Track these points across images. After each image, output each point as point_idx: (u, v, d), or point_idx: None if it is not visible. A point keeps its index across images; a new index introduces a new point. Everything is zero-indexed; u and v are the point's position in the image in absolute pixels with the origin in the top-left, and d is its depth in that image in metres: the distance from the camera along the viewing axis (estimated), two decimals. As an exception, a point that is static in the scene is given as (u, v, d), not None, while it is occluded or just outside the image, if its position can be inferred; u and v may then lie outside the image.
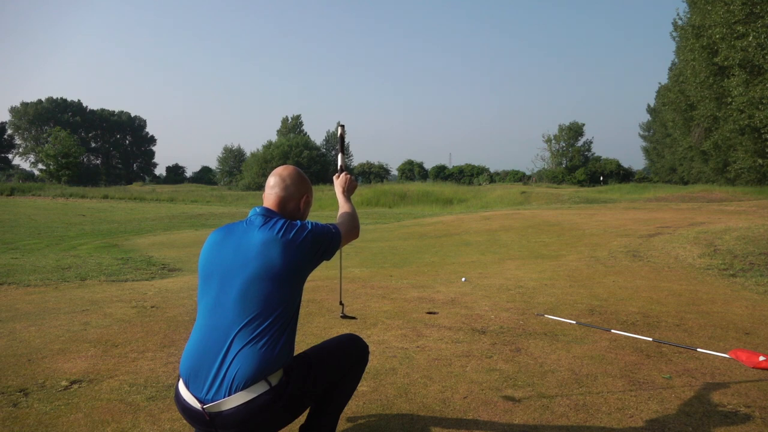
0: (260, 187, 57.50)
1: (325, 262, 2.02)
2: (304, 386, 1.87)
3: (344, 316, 2.67)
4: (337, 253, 2.09)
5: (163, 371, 3.04)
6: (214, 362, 1.76)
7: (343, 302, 2.76)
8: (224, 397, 1.72)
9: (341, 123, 2.57)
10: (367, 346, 2.17)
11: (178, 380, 1.86)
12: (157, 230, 15.24)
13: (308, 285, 5.80)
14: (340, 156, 2.54)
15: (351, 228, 2.16)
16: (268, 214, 1.97)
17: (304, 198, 2.08)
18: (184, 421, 2.40)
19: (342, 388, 2.06)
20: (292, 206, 2.05)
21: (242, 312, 1.79)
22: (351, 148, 76.91)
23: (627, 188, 38.90)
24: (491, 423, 2.43)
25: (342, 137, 2.58)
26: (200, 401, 1.75)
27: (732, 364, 3.19)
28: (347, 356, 2.07)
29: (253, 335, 1.76)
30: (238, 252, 1.87)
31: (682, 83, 32.79)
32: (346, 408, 2.54)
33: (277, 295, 1.81)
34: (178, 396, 1.85)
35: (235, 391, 1.72)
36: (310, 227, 1.94)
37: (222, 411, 1.73)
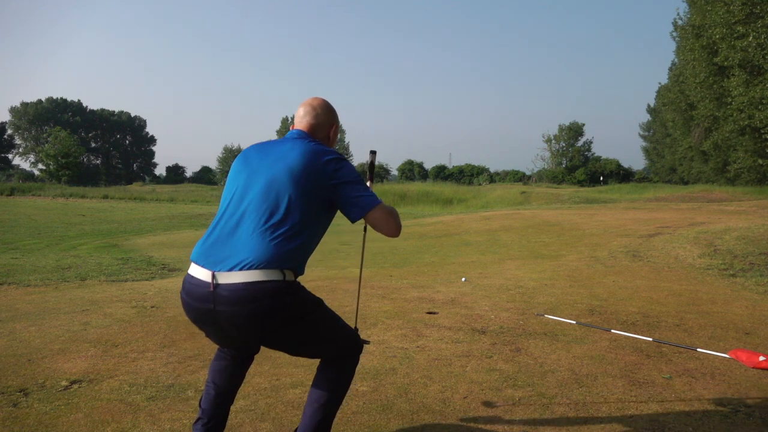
0: (260, 187, 57.10)
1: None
2: (305, 309, 1.85)
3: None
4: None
5: (163, 371, 3.04)
6: (228, 243, 1.79)
7: (357, 327, 2.64)
8: (237, 269, 1.72)
9: (373, 149, 2.35)
10: (362, 346, 2.11)
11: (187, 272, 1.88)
12: (157, 230, 15.24)
13: (308, 285, 5.79)
14: (369, 184, 2.26)
15: (394, 216, 1.94)
16: (304, 135, 2.01)
17: (333, 127, 2.12)
18: (184, 421, 2.40)
19: (333, 389, 1.97)
20: (322, 135, 2.08)
21: (261, 205, 1.81)
22: (351, 148, 76.81)
23: (627, 188, 38.87)
24: (491, 423, 2.43)
25: (372, 164, 2.35)
26: (210, 271, 1.75)
27: (732, 364, 3.19)
28: (344, 329, 2.00)
29: (269, 226, 1.77)
30: (268, 156, 1.92)
31: (682, 83, 32.83)
32: (346, 408, 2.54)
33: (295, 202, 1.80)
34: (184, 283, 1.85)
35: (248, 269, 1.72)
36: (346, 162, 1.92)
37: (229, 283, 1.72)
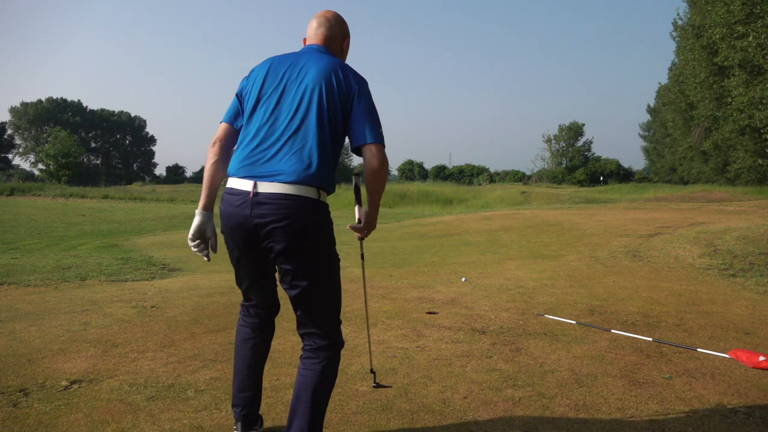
0: (260, 187, 57.06)
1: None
2: (328, 236, 1.95)
3: (377, 386, 2.65)
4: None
5: (163, 371, 3.04)
6: (266, 158, 1.89)
7: (374, 370, 2.78)
8: (276, 182, 1.85)
9: (356, 172, 2.34)
10: (343, 342, 2.07)
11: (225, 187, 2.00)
12: (157, 230, 15.23)
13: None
14: (357, 209, 2.25)
15: (387, 164, 1.99)
16: (324, 50, 2.08)
17: (346, 40, 2.18)
18: (184, 421, 2.40)
19: (322, 381, 1.95)
20: (335, 47, 2.15)
21: (294, 124, 1.91)
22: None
23: (627, 188, 38.87)
24: (491, 423, 2.43)
25: (357, 187, 2.27)
26: (252, 181, 1.87)
27: (732, 364, 3.19)
28: (339, 309, 2.04)
29: (303, 146, 1.88)
30: (295, 72, 1.98)
31: (682, 83, 32.86)
32: (346, 407, 2.55)
33: (324, 122, 1.91)
34: (223, 196, 1.96)
35: (285, 184, 1.84)
36: (368, 89, 2.01)
37: (269, 192, 1.85)
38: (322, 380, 1.94)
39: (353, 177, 2.27)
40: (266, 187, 1.84)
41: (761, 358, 3.12)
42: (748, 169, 28.63)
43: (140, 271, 7.29)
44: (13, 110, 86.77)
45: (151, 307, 4.65)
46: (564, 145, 70.36)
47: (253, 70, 2.08)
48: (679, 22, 33.34)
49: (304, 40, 2.16)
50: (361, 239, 2.25)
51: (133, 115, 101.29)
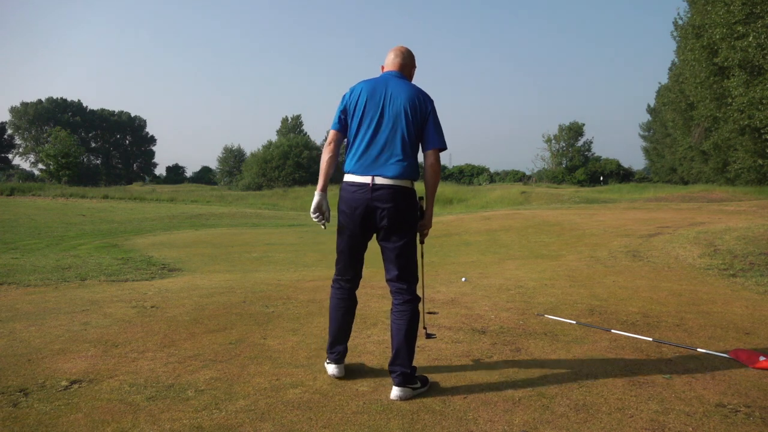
0: (260, 187, 57.33)
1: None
2: (416, 211, 2.79)
3: (429, 335, 3.31)
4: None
5: (163, 371, 3.04)
6: (376, 163, 2.71)
7: (426, 327, 3.36)
8: (387, 178, 2.68)
9: (420, 196, 2.89)
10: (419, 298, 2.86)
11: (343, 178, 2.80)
12: (157, 230, 15.23)
13: (309, 284, 5.80)
14: (422, 222, 2.93)
15: (440, 167, 2.86)
16: (401, 76, 2.85)
17: (414, 68, 2.97)
18: (184, 421, 2.40)
19: (412, 321, 2.73)
20: (407, 72, 2.91)
21: (391, 136, 2.72)
22: (351, 148, 76.83)
23: (627, 188, 38.85)
24: (491, 423, 2.43)
25: (421, 208, 2.90)
26: (370, 176, 2.69)
27: (732, 364, 3.19)
28: (416, 258, 2.85)
29: (400, 152, 2.71)
30: (386, 95, 2.75)
31: (682, 83, 32.81)
32: (346, 407, 2.56)
33: (411, 134, 2.73)
34: (346, 187, 2.76)
35: (392, 179, 2.69)
36: (434, 105, 2.80)
37: (383, 184, 2.68)
38: (411, 325, 2.73)
39: (418, 200, 2.89)
40: (380, 180, 2.69)
41: (761, 358, 3.12)
42: (748, 169, 28.59)
43: (140, 271, 7.29)
44: (13, 110, 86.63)
45: (151, 307, 4.65)
46: (564, 145, 70.24)
47: (353, 91, 2.81)
48: (679, 22, 33.26)
49: (382, 67, 2.92)
50: (421, 241, 2.93)
51: (133, 115, 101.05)
